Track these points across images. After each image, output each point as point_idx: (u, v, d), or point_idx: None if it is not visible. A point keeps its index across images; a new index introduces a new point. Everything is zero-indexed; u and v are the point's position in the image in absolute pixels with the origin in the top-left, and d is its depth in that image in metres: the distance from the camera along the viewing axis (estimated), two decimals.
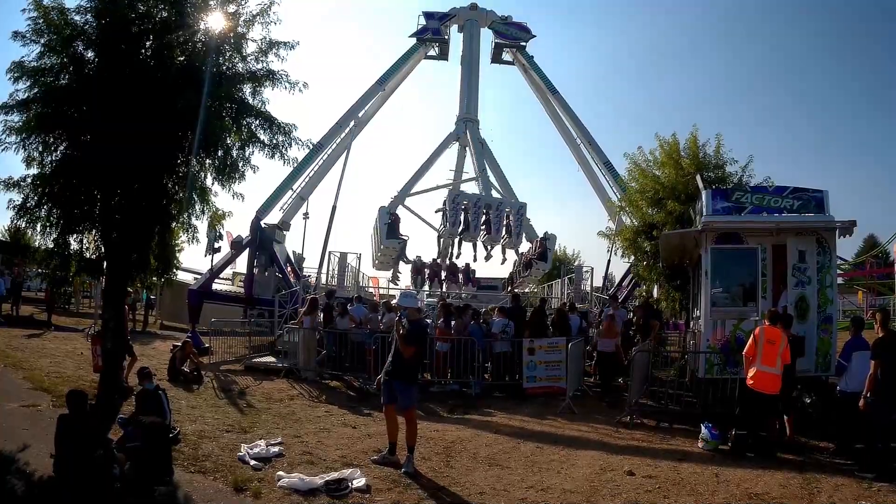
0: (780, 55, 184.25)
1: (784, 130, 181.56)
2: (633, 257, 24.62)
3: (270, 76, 14.53)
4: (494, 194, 39.42)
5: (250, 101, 14.57)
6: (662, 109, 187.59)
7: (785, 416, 12.43)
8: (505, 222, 34.84)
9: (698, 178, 18.88)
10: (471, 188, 41.14)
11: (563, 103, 42.67)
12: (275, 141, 14.65)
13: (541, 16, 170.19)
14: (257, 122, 14.56)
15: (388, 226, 34.51)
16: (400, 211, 38.79)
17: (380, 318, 20.63)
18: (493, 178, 42.26)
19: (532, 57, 44.85)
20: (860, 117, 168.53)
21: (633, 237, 23.24)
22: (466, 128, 42.92)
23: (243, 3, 14.50)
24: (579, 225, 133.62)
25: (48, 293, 31.49)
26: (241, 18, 14.42)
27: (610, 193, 37.18)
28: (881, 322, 11.55)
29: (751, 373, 11.98)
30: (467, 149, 43.95)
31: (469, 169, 44.32)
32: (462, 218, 34.01)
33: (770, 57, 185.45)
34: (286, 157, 14.94)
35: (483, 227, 34.46)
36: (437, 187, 43.74)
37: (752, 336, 12.26)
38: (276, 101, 14.50)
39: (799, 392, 12.99)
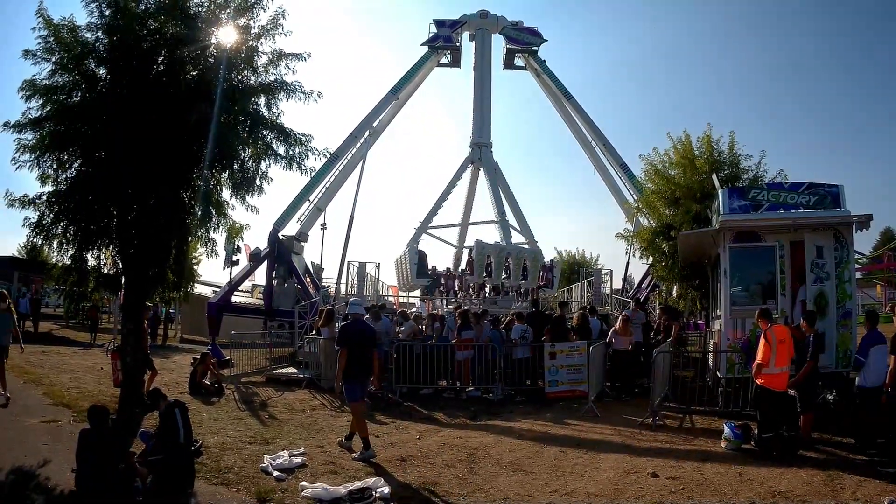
0: (794, 51, 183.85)
1: (797, 125, 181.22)
2: (651, 258, 24.54)
3: (284, 87, 14.54)
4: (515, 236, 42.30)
5: (265, 114, 14.59)
6: (676, 108, 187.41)
7: (803, 415, 12.32)
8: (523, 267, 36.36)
9: (714, 177, 18.83)
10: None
11: (577, 106, 42.70)
12: (291, 152, 14.66)
13: (551, 19, 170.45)
14: (273, 134, 14.59)
15: (418, 265, 36.12)
16: (424, 238, 41.74)
17: (398, 327, 20.73)
18: (505, 203, 43.58)
19: (544, 61, 44.90)
20: (873, 109, 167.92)
21: (651, 238, 23.18)
22: (480, 153, 43.34)
23: (254, 16, 14.54)
24: (597, 227, 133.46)
25: (94, 312, 31.85)
26: (252, 31, 14.45)
27: (626, 195, 37.15)
28: None
29: (760, 380, 11.95)
30: (479, 172, 44.76)
31: (482, 191, 45.04)
32: (486, 265, 35.30)
33: (784, 53, 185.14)
34: (304, 168, 14.96)
35: (511, 275, 35.96)
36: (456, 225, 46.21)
37: (763, 340, 12.14)
38: (290, 113, 14.55)
39: (820, 388, 12.89)
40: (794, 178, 17.98)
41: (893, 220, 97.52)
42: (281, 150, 14.66)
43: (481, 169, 45.08)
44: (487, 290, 36.21)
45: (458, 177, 45.25)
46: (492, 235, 43.29)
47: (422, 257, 37.80)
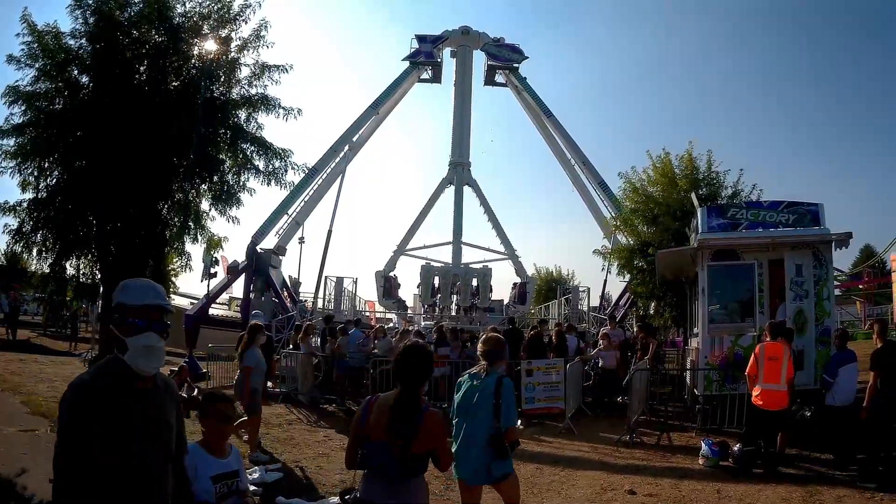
0: (773, 68, 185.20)
1: (778, 142, 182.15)
2: (629, 276, 24.62)
3: (264, 101, 14.51)
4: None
5: (245, 127, 14.56)
6: (655, 124, 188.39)
7: (781, 432, 12.33)
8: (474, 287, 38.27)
9: (693, 195, 18.92)
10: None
11: (557, 124, 42.74)
12: (271, 167, 14.63)
13: (532, 34, 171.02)
14: (253, 147, 14.55)
15: (384, 288, 38.14)
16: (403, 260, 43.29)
17: (372, 343, 20.70)
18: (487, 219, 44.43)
19: (525, 78, 44.95)
20: (853, 126, 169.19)
21: (628, 256, 23.26)
22: (462, 173, 43.81)
23: (236, 27, 14.53)
24: (574, 244, 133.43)
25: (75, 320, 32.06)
26: (234, 43, 14.43)
27: (605, 212, 37.27)
28: (879, 333, 11.59)
29: (755, 391, 11.88)
30: (456, 189, 44.73)
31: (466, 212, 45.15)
32: (435, 287, 37.54)
33: (763, 69, 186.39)
34: (283, 182, 14.94)
35: (455, 293, 37.94)
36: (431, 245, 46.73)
37: (752, 355, 12.18)
38: (269, 128, 14.61)
39: (799, 405, 12.93)
40: (774, 195, 18.11)
41: (873, 237, 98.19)
42: (261, 164, 14.64)
43: (462, 187, 45.07)
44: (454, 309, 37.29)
45: (436, 196, 45.38)
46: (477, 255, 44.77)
47: (389, 280, 39.66)
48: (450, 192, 44.58)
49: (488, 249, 45.36)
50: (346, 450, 5.51)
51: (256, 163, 14.67)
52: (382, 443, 5.13)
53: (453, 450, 6.87)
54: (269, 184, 14.80)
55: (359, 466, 5.38)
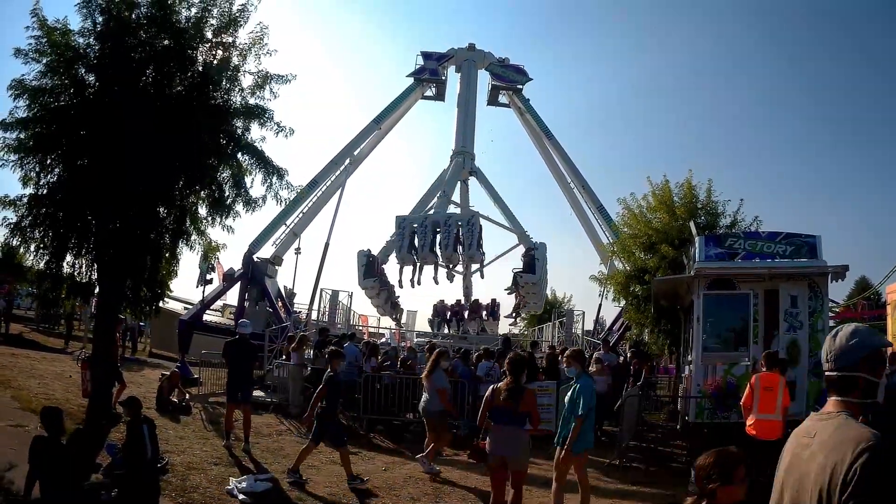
0: (771, 98, 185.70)
1: (777, 173, 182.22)
2: (624, 301, 24.62)
3: (261, 112, 14.41)
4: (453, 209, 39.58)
5: (243, 137, 14.49)
6: (656, 150, 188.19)
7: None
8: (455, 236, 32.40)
9: (692, 224, 18.95)
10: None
11: (558, 146, 42.72)
12: (268, 182, 14.53)
13: (537, 56, 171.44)
14: (252, 160, 14.46)
15: (366, 266, 34.31)
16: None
17: (364, 360, 20.54)
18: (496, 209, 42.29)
19: (528, 100, 44.91)
20: (852, 160, 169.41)
21: (624, 282, 23.25)
22: (465, 161, 42.71)
23: (236, 33, 14.48)
24: (570, 268, 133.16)
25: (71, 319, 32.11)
26: (236, 51, 14.40)
27: (602, 237, 37.22)
28: None
29: (750, 421, 11.86)
30: (463, 182, 43.98)
31: (473, 201, 44.11)
32: (408, 241, 32.55)
33: (762, 99, 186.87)
34: (279, 199, 14.86)
35: (440, 247, 32.39)
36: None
37: (748, 385, 12.16)
38: (265, 144, 14.34)
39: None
40: (771, 224, 18.15)
41: (868, 269, 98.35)
42: (258, 179, 14.53)
43: (468, 178, 44.19)
44: None
45: (448, 179, 43.65)
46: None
47: (372, 259, 35.37)
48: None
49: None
50: (478, 415, 9.99)
51: (253, 175, 14.53)
52: (503, 406, 9.47)
53: (563, 427, 11.09)
54: (252, 211, 14.67)
55: (489, 422, 9.74)
